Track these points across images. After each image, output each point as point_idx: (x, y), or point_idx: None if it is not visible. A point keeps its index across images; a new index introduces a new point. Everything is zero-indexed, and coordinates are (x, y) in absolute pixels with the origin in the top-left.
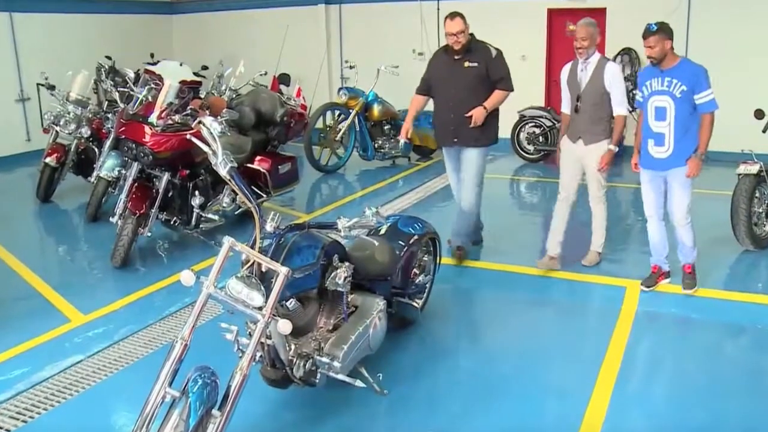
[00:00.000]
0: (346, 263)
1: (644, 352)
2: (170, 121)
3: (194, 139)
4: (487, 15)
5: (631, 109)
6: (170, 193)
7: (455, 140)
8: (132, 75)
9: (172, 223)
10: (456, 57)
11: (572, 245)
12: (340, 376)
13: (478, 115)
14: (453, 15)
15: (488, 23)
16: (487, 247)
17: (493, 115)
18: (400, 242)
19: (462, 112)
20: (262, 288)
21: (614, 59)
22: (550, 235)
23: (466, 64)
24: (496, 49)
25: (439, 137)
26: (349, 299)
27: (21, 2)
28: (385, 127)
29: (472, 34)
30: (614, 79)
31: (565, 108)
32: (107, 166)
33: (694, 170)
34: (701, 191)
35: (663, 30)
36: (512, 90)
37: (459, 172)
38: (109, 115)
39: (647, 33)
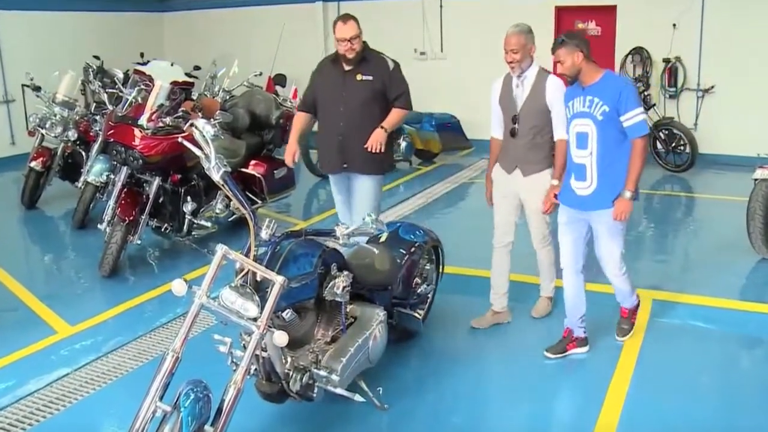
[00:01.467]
0: (345, 272)
1: (656, 363)
2: (161, 124)
3: (186, 143)
4: (492, 14)
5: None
6: (161, 199)
7: (345, 166)
8: (121, 75)
9: (162, 230)
10: (347, 68)
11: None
12: (339, 390)
13: (379, 137)
14: (345, 18)
15: (492, 22)
16: (490, 255)
17: (389, 138)
18: (401, 250)
19: (353, 133)
20: (257, 298)
21: (625, 59)
22: (492, 289)
23: (359, 77)
24: (394, 60)
25: (325, 163)
26: (347, 310)
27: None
28: None
29: (365, 43)
30: (556, 95)
31: (496, 132)
32: (95, 170)
33: (620, 213)
34: (715, 197)
35: (571, 41)
36: (411, 109)
37: (350, 204)
38: (97, 118)
39: (555, 46)
